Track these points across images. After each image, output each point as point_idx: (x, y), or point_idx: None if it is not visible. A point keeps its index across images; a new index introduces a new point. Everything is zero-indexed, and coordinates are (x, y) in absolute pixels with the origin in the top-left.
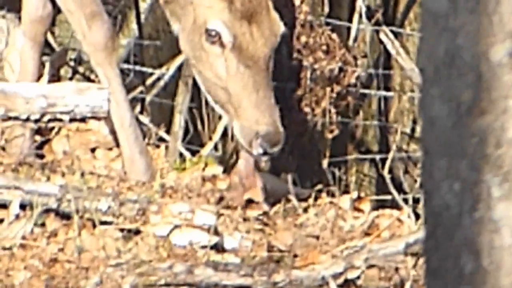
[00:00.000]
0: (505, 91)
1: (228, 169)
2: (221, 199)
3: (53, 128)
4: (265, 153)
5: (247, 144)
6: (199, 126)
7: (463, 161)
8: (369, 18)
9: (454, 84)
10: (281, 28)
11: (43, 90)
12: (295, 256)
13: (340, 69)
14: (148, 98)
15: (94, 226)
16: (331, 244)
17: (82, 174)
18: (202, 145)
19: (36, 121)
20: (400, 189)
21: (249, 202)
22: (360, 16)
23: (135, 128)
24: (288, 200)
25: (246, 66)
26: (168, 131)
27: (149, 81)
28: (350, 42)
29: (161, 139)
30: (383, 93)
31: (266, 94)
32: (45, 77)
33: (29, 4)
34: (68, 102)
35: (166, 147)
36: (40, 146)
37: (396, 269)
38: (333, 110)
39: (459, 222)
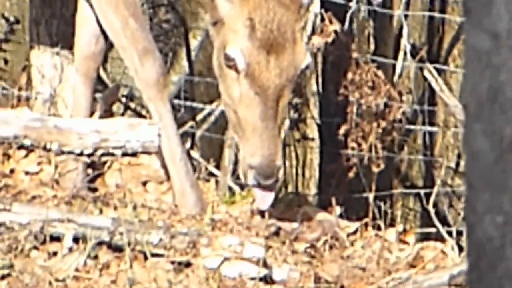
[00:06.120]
0: None
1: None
2: (275, 233)
3: (105, 162)
4: (258, 185)
5: (242, 174)
6: None
7: (505, 195)
8: (413, 55)
9: (496, 120)
10: (305, 61)
11: (96, 126)
12: (342, 287)
13: (386, 105)
14: (198, 133)
15: (146, 258)
16: (377, 276)
17: (134, 207)
18: None
19: (89, 155)
20: (444, 222)
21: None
22: (405, 53)
23: (186, 162)
24: (335, 233)
25: (256, 94)
26: (217, 166)
27: (199, 117)
28: (395, 79)
29: (211, 174)
30: (428, 128)
31: (269, 125)
32: (98, 113)
33: (82, 41)
34: (120, 137)
35: (216, 181)
36: (93, 179)
37: None
38: (379, 145)
39: (501, 254)
